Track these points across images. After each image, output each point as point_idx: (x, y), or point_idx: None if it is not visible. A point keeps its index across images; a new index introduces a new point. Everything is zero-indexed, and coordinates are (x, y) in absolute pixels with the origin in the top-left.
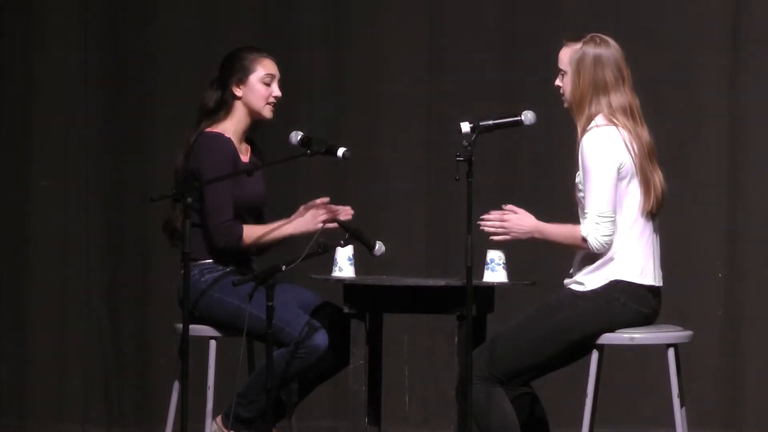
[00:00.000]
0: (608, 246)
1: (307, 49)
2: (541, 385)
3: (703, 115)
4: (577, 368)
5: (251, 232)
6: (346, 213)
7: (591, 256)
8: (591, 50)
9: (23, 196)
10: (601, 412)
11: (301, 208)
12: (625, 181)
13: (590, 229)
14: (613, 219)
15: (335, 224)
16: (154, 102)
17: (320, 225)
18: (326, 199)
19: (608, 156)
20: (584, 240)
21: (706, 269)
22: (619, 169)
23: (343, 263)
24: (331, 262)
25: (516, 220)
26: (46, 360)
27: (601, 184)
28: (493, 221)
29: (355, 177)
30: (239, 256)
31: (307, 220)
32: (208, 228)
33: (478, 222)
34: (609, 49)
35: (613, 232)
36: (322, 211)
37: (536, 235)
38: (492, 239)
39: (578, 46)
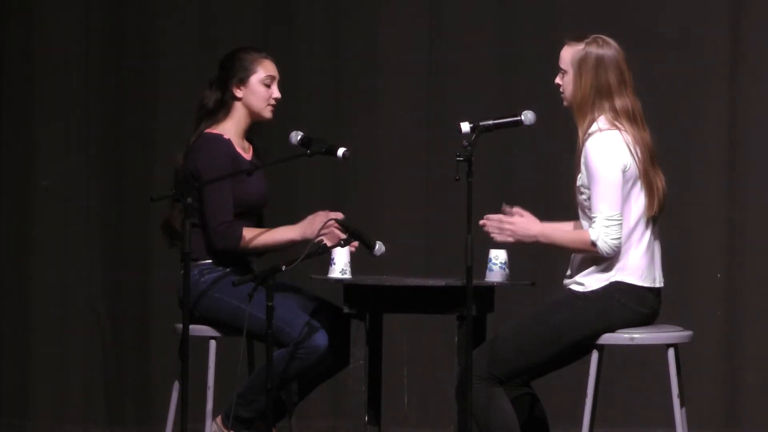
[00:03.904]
0: (617, 249)
1: (307, 48)
2: (541, 385)
3: (703, 115)
4: (577, 368)
5: (251, 233)
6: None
7: (591, 258)
8: (593, 52)
9: (24, 197)
10: (601, 412)
11: (314, 217)
12: (628, 185)
13: (600, 233)
14: (621, 222)
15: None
16: (154, 102)
17: (318, 237)
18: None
19: (614, 159)
20: (593, 244)
21: (706, 269)
22: (623, 172)
23: (344, 265)
24: (328, 262)
25: (522, 223)
26: (47, 360)
27: (609, 188)
28: (495, 224)
29: (355, 177)
30: (238, 257)
31: (306, 225)
32: (207, 229)
33: (480, 223)
34: (611, 51)
35: (622, 234)
36: (321, 220)
37: (541, 239)
38: (494, 239)
39: (581, 46)
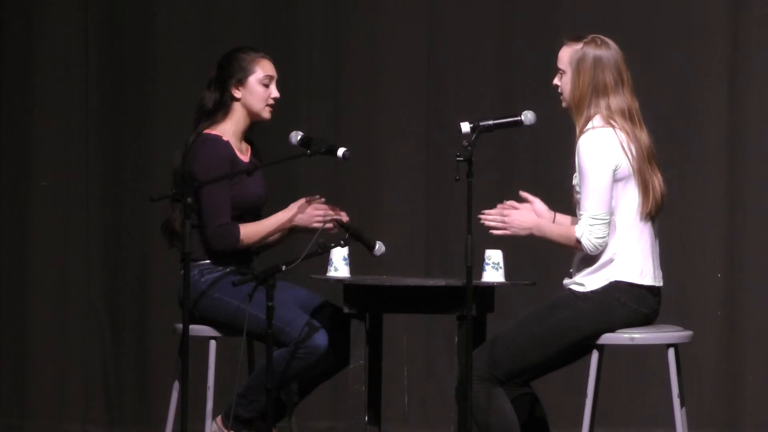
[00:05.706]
0: (602, 248)
1: (307, 49)
2: (541, 385)
3: (703, 115)
4: (577, 368)
5: (248, 230)
6: (342, 216)
7: (590, 257)
8: (591, 51)
9: (23, 196)
10: (601, 412)
11: (303, 200)
12: (621, 183)
13: (584, 230)
14: (607, 221)
15: (332, 225)
16: (154, 102)
17: (317, 225)
18: (322, 199)
19: (604, 158)
20: (578, 241)
21: (706, 269)
22: (615, 170)
23: (339, 263)
24: (327, 262)
25: (517, 215)
26: (46, 360)
27: (597, 186)
28: (494, 216)
29: (355, 177)
30: (239, 256)
31: (305, 215)
32: (205, 231)
33: (479, 216)
34: (609, 51)
35: (608, 234)
36: (321, 211)
37: (535, 232)
38: (492, 233)
39: (579, 46)
